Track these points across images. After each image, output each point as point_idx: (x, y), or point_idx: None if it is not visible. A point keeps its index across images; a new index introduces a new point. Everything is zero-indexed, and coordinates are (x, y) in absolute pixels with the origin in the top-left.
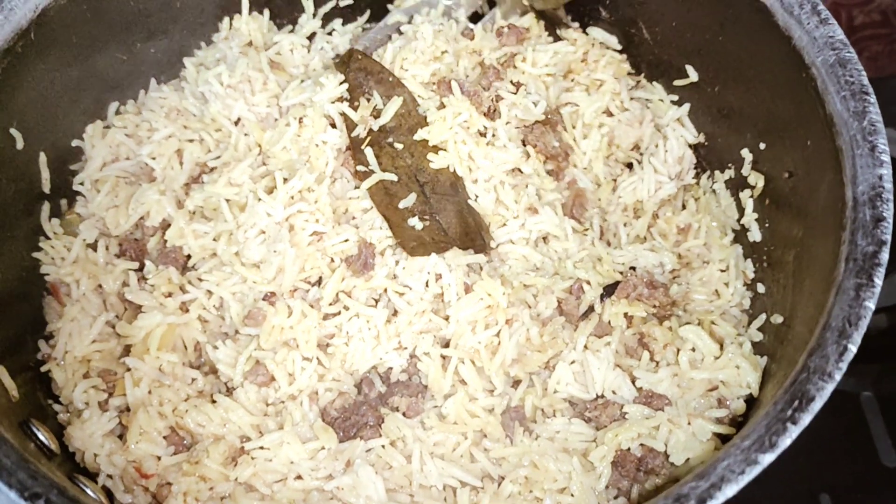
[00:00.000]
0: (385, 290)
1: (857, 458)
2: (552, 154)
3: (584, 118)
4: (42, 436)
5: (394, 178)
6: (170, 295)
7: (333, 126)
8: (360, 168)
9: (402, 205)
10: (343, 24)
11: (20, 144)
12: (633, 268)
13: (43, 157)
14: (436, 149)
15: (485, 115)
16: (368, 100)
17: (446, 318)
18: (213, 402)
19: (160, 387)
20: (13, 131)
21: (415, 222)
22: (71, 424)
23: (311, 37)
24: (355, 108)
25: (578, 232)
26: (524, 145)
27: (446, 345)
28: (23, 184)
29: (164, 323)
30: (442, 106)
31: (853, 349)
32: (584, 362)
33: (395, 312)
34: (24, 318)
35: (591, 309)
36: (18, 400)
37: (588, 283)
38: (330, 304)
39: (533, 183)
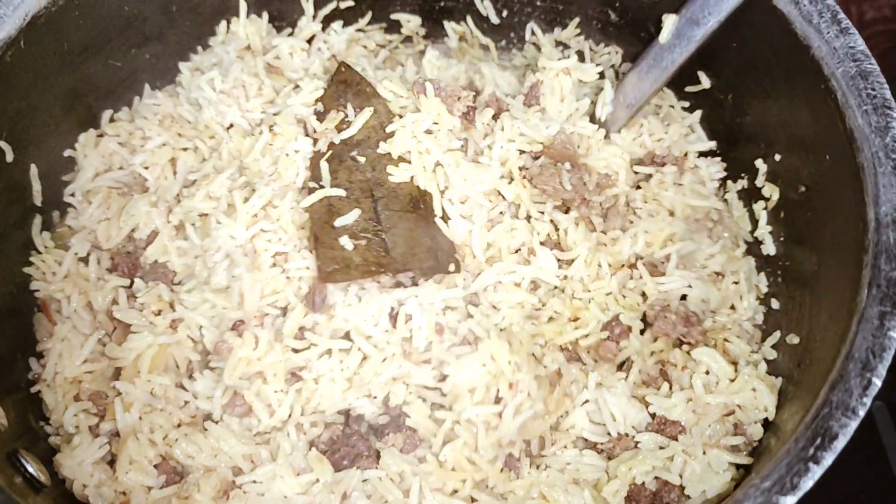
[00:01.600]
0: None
1: (868, 469)
2: (565, 198)
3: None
4: (31, 467)
5: (342, 193)
6: (159, 313)
7: (308, 135)
8: (312, 184)
9: (339, 222)
10: (343, 27)
11: (10, 157)
12: (684, 296)
13: (34, 169)
14: (401, 160)
15: (463, 116)
16: (339, 111)
17: (421, 363)
18: (205, 429)
19: (151, 412)
20: (2, 143)
21: (345, 242)
22: (61, 451)
23: (310, 40)
24: (322, 121)
25: (615, 267)
26: (528, 181)
27: (438, 389)
28: (13, 196)
29: (154, 344)
30: (416, 110)
31: (878, 383)
32: (598, 400)
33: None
34: (14, 336)
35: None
36: (7, 427)
37: (630, 329)
38: (295, 339)
39: (517, 227)
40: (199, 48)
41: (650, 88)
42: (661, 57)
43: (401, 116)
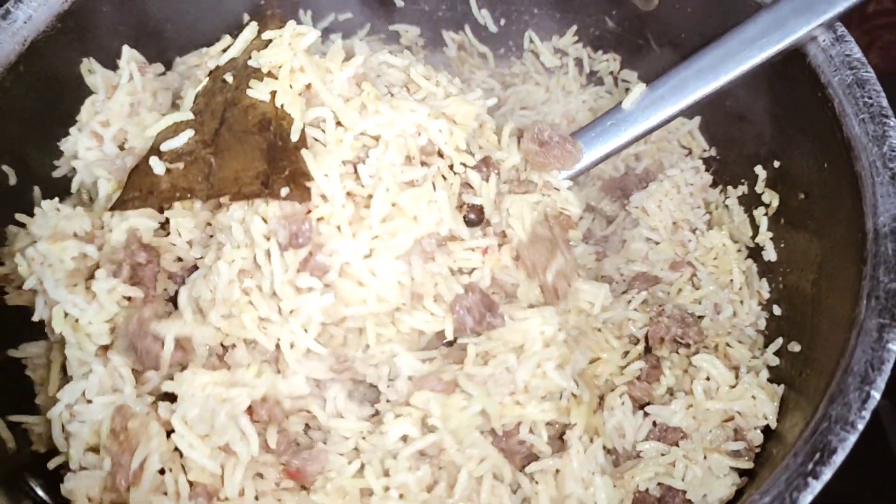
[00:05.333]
0: None
1: (874, 466)
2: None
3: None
4: (40, 490)
5: (188, 116)
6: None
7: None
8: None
9: (166, 145)
10: (342, 38)
11: (13, 180)
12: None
13: (37, 191)
14: (270, 77)
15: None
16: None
17: None
18: None
19: None
20: (5, 168)
21: (156, 165)
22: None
23: None
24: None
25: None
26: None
27: None
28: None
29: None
30: None
31: (876, 396)
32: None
33: None
34: None
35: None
36: (15, 450)
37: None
38: None
39: (438, 201)
40: None
41: (598, 156)
42: (619, 124)
43: None
